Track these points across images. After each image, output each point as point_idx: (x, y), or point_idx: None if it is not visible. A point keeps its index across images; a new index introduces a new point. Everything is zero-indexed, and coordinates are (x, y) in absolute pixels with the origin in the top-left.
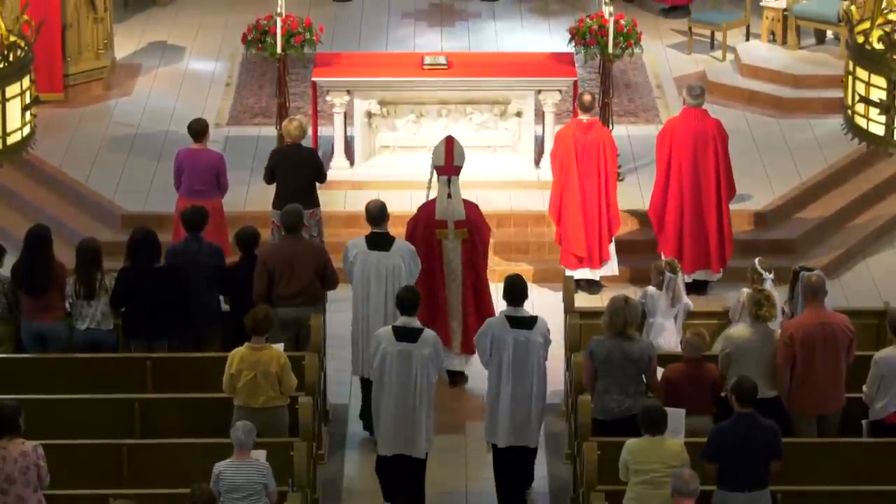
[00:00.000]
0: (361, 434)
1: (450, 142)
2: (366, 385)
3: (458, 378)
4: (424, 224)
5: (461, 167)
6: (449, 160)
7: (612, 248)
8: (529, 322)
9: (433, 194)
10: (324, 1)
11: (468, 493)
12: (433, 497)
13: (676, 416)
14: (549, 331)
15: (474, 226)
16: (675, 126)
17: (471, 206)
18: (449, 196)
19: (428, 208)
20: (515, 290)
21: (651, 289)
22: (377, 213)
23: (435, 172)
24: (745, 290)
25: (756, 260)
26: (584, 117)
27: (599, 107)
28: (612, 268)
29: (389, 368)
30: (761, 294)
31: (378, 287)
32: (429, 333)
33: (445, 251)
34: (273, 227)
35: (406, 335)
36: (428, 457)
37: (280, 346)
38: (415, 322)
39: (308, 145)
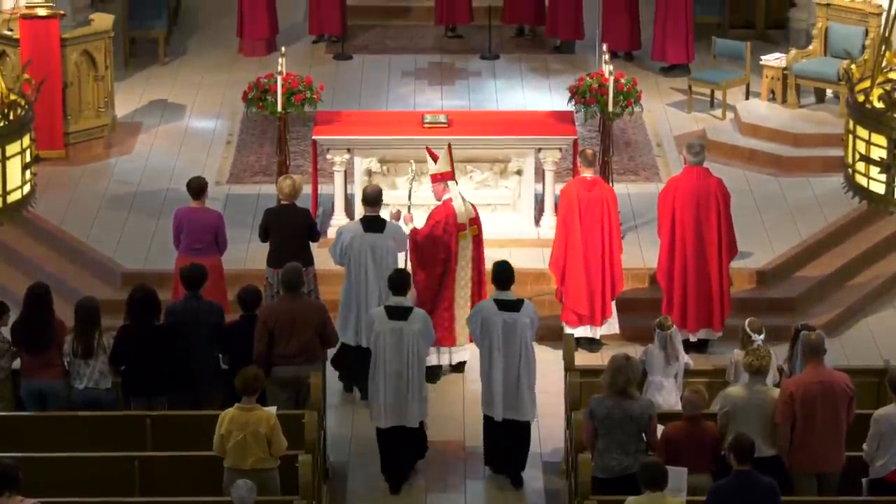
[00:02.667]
0: (362, 491)
1: (449, 149)
2: (345, 350)
3: (460, 367)
4: (444, 226)
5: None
6: (452, 165)
7: (613, 305)
8: (517, 304)
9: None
10: (324, 59)
11: None
12: None
13: (678, 474)
14: (535, 312)
15: (478, 221)
16: (678, 185)
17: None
18: (462, 199)
19: (446, 212)
20: (504, 275)
21: (652, 346)
22: (375, 197)
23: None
24: (738, 352)
25: (746, 322)
26: (587, 174)
27: (599, 165)
28: (612, 326)
29: (383, 345)
30: (753, 348)
31: (373, 265)
32: (418, 311)
33: (461, 250)
34: (266, 285)
35: (397, 314)
36: (425, 424)
37: (273, 409)
38: (405, 301)
39: (304, 204)
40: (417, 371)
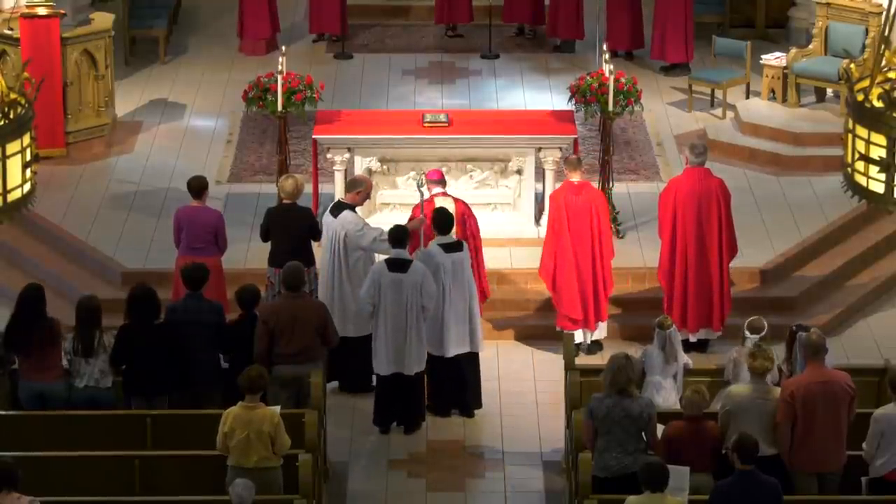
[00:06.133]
0: (361, 491)
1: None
2: None
3: None
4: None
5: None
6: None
7: (607, 309)
8: (459, 245)
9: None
10: (324, 58)
11: None
12: None
13: (680, 474)
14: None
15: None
16: (679, 185)
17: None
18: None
19: (415, 211)
20: (444, 220)
21: (651, 346)
22: (350, 182)
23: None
24: (737, 349)
25: (750, 319)
26: (574, 178)
27: (600, 164)
28: (604, 330)
29: (384, 296)
30: (756, 347)
31: (327, 249)
32: (418, 264)
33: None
34: (267, 285)
35: (397, 266)
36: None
37: (276, 408)
38: (405, 254)
39: (305, 203)
40: (416, 322)
